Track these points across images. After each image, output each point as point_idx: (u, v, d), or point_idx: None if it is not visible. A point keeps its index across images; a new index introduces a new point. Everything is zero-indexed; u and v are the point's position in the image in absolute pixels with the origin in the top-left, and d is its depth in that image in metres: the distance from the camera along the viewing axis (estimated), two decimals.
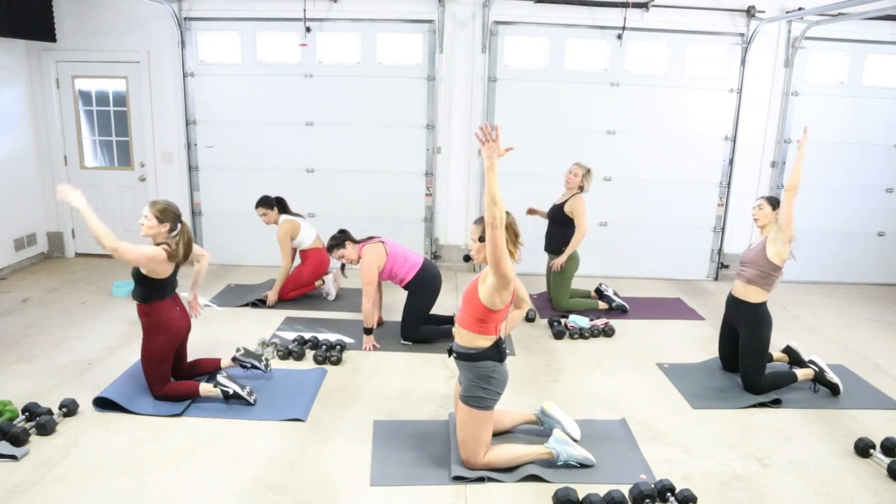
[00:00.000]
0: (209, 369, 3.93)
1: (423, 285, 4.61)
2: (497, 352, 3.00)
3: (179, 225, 3.54)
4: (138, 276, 3.48)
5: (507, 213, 3.06)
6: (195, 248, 3.75)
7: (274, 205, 5.39)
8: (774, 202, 3.99)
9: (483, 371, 2.98)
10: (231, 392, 3.61)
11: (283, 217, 5.40)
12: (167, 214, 3.48)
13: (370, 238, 4.66)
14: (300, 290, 5.54)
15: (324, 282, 5.60)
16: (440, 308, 5.10)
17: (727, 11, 6.14)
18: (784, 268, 3.95)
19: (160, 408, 3.55)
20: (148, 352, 3.54)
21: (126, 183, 6.67)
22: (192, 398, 3.63)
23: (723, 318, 4.28)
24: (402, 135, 6.41)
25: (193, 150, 6.52)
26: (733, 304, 4.10)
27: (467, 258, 3.13)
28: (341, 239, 4.59)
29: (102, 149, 6.72)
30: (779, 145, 6.45)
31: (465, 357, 3.01)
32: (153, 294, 3.51)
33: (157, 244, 3.47)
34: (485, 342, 2.98)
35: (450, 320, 4.83)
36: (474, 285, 3.01)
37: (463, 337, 3.02)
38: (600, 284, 5.74)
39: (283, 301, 5.43)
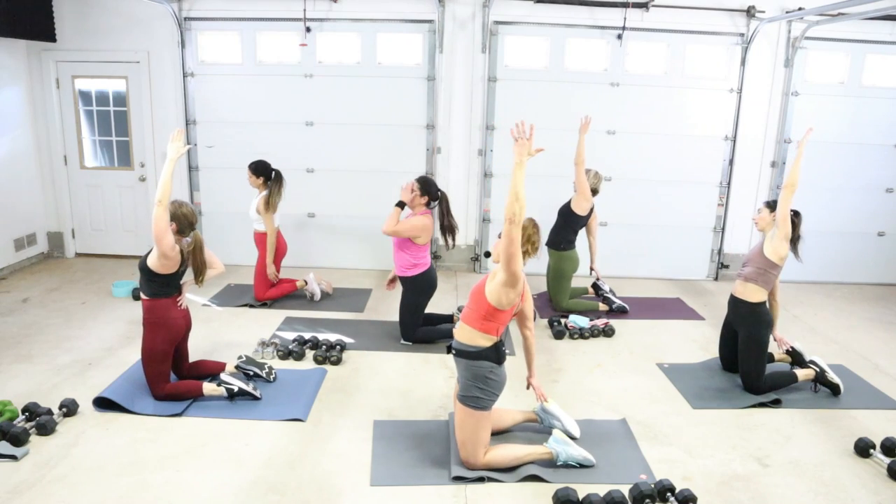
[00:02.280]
0: (211, 372, 3.93)
1: (426, 283, 4.60)
2: (496, 353, 3.00)
3: (191, 235, 3.58)
4: (144, 269, 3.50)
5: (535, 224, 3.09)
6: (211, 257, 3.76)
7: (263, 175, 5.32)
8: (773, 205, 4.00)
9: (480, 371, 2.98)
10: (236, 389, 3.62)
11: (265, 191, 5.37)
12: (174, 213, 3.50)
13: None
14: (279, 289, 5.47)
15: (306, 282, 5.55)
16: (439, 308, 5.11)
17: (727, 11, 6.14)
18: (783, 266, 3.96)
19: (160, 408, 3.55)
20: (148, 349, 3.55)
21: (126, 183, 6.67)
22: (194, 398, 3.63)
23: (724, 318, 4.29)
24: (402, 135, 6.41)
25: (193, 150, 6.52)
26: (733, 304, 4.11)
27: (487, 254, 3.14)
28: (430, 188, 4.47)
29: (102, 149, 6.72)
30: (779, 145, 6.45)
31: (464, 354, 3.01)
32: (157, 290, 3.52)
33: None
34: (485, 342, 2.98)
35: (448, 319, 4.84)
36: (482, 282, 3.03)
37: (464, 333, 3.02)
38: (597, 279, 5.74)
39: (263, 301, 5.38)
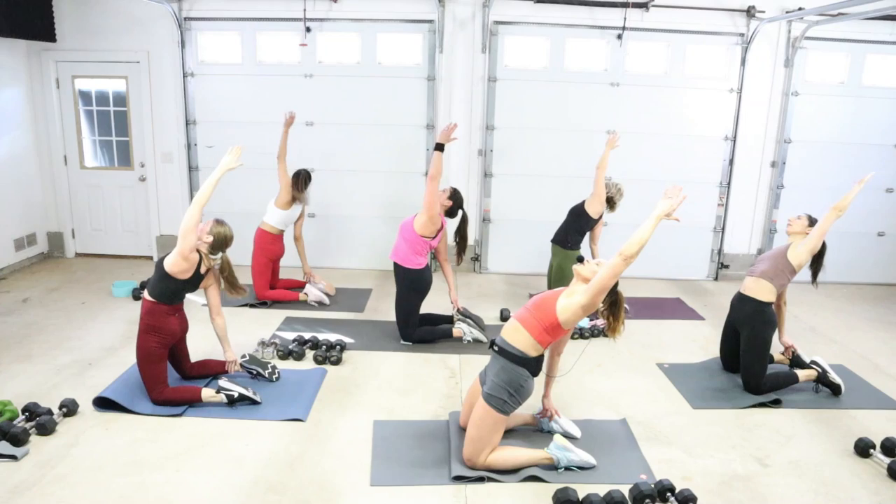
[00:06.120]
0: (215, 371, 3.94)
1: (420, 282, 4.59)
2: (536, 365, 3.05)
3: (221, 253, 3.73)
4: (160, 266, 3.53)
5: (620, 293, 3.13)
6: (214, 305, 3.86)
7: (299, 182, 5.50)
8: (813, 221, 4.08)
9: (517, 378, 3.00)
10: (236, 395, 3.60)
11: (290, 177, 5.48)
12: (213, 229, 3.62)
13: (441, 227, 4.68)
14: (280, 293, 5.49)
15: (308, 294, 5.51)
16: (439, 309, 5.11)
17: (727, 11, 6.15)
18: (796, 275, 4.05)
19: (160, 408, 3.54)
20: (142, 350, 3.54)
21: (126, 183, 6.67)
22: (192, 403, 3.61)
23: (726, 318, 4.29)
24: (402, 135, 6.41)
25: (193, 150, 6.53)
26: (739, 301, 4.12)
27: (581, 259, 3.20)
28: (457, 199, 4.61)
29: (102, 149, 6.73)
30: (779, 145, 6.45)
31: (508, 356, 3.02)
32: (163, 293, 3.53)
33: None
34: (534, 352, 3.01)
35: (448, 319, 4.84)
36: (553, 295, 3.06)
37: (518, 337, 3.02)
38: None
39: (264, 300, 5.41)
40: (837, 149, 6.43)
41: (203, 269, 3.65)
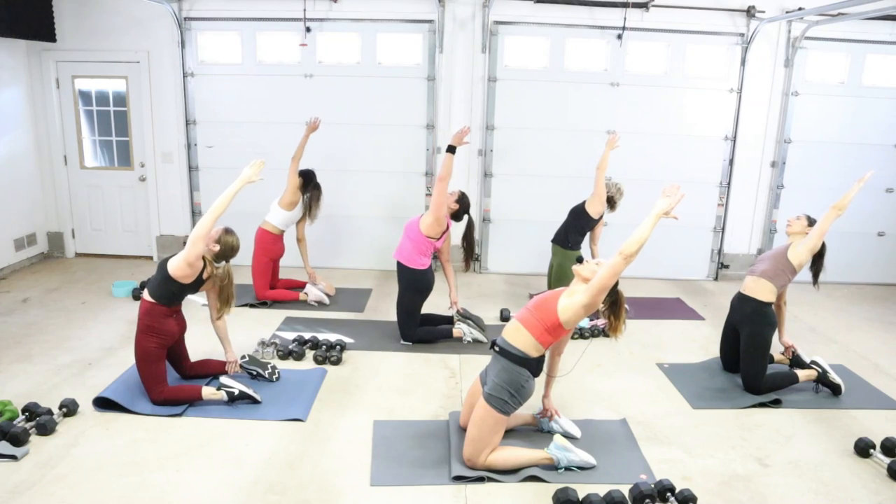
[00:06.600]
0: (215, 371, 3.94)
1: (423, 282, 4.60)
2: (537, 366, 3.06)
3: (224, 262, 3.72)
4: (162, 267, 3.54)
5: (620, 292, 3.15)
6: (215, 305, 3.87)
7: (306, 183, 5.54)
8: (812, 221, 4.09)
9: (518, 378, 3.00)
10: (237, 392, 3.61)
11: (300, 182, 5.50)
12: (221, 238, 3.65)
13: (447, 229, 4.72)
14: (280, 293, 5.50)
15: (307, 294, 5.53)
16: (439, 309, 5.11)
17: (727, 11, 6.15)
18: (797, 275, 4.06)
19: (160, 408, 3.54)
20: (140, 351, 3.54)
21: (126, 183, 6.67)
22: (192, 402, 3.61)
23: (726, 318, 4.29)
24: (402, 135, 6.41)
25: (193, 150, 6.52)
26: (739, 302, 4.12)
27: (580, 259, 3.20)
28: (464, 203, 4.66)
29: (102, 149, 6.73)
30: (779, 145, 6.45)
31: (509, 356, 3.03)
32: (164, 294, 3.53)
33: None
34: (535, 352, 3.02)
35: (448, 320, 4.84)
36: (554, 295, 3.06)
37: (519, 338, 3.03)
38: None
39: (264, 300, 5.42)
40: (837, 149, 6.43)
41: (206, 275, 3.65)
